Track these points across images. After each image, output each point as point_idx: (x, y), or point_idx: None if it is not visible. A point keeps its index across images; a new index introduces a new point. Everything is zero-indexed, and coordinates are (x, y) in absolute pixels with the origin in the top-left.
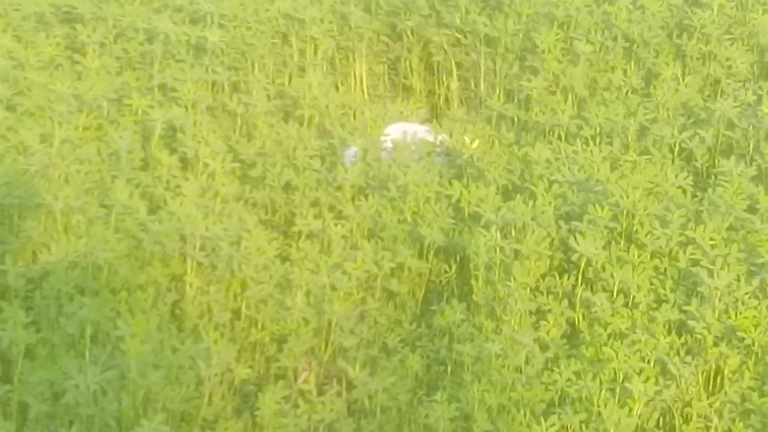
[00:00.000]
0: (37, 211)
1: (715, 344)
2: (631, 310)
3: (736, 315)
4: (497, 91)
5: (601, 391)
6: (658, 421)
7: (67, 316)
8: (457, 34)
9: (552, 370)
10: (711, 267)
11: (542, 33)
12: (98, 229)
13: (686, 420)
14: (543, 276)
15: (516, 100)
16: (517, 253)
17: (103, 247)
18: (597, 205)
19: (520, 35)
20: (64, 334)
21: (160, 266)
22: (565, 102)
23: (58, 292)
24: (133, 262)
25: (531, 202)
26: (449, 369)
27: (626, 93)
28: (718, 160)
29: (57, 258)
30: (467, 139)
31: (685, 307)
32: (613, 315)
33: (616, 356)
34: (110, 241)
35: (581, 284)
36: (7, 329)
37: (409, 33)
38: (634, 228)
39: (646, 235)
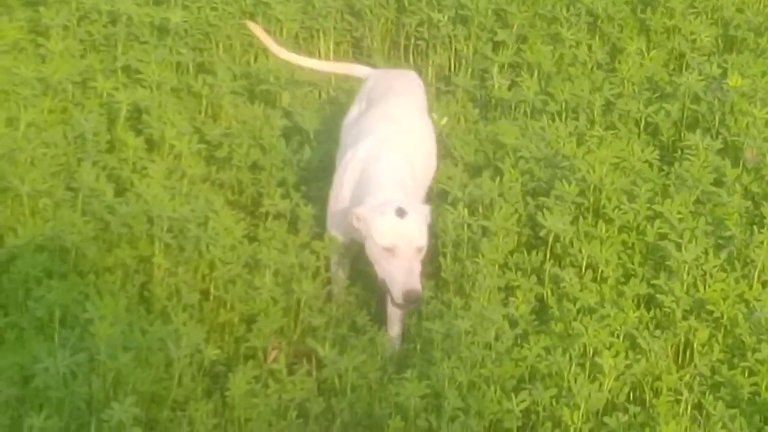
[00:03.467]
0: (4, 195)
1: (684, 318)
2: (599, 285)
3: (704, 288)
4: (467, 69)
5: (571, 366)
6: (628, 395)
7: (36, 300)
8: (430, 12)
9: (521, 346)
10: (679, 241)
11: (512, 9)
12: (65, 212)
13: (656, 394)
14: (511, 252)
15: (483, 78)
16: (484, 230)
17: (71, 230)
18: (564, 181)
19: (490, 12)
20: (32, 318)
21: (127, 248)
22: (531, 78)
23: (25, 275)
24: (101, 244)
25: (498, 179)
26: (419, 347)
27: (591, 68)
28: (684, 134)
29: (24, 241)
30: (435, 116)
31: (653, 281)
32: (581, 290)
33: (586, 331)
34: (77, 224)
35: (549, 260)
36: None
37: (368, 12)
38: (602, 203)
39: (613, 210)
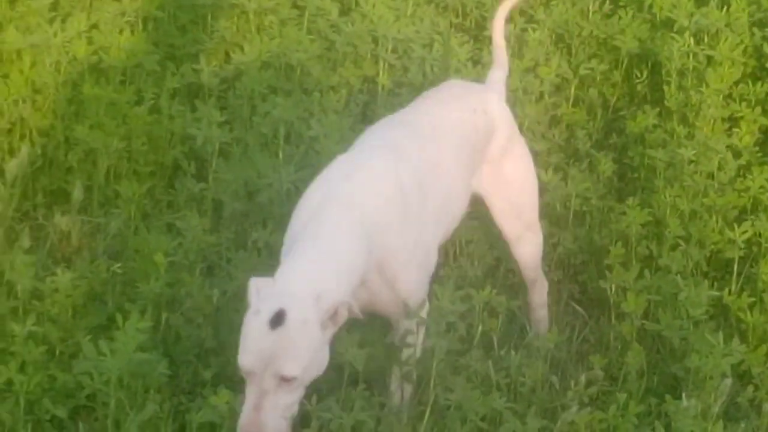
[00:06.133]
0: (230, 12)
1: None
2: None
3: None
4: None
5: None
6: None
7: (261, 116)
8: None
9: (744, 177)
10: None
11: None
12: (291, 30)
13: None
14: (736, 83)
15: None
16: (710, 59)
17: (296, 48)
18: None
19: None
20: (257, 134)
21: (352, 67)
22: None
23: (251, 91)
24: (326, 63)
25: (725, 9)
26: (641, 175)
27: None
28: None
29: (250, 58)
30: None
31: None
32: None
33: None
34: (303, 42)
35: None
36: (201, 128)
37: None
38: None
39: None
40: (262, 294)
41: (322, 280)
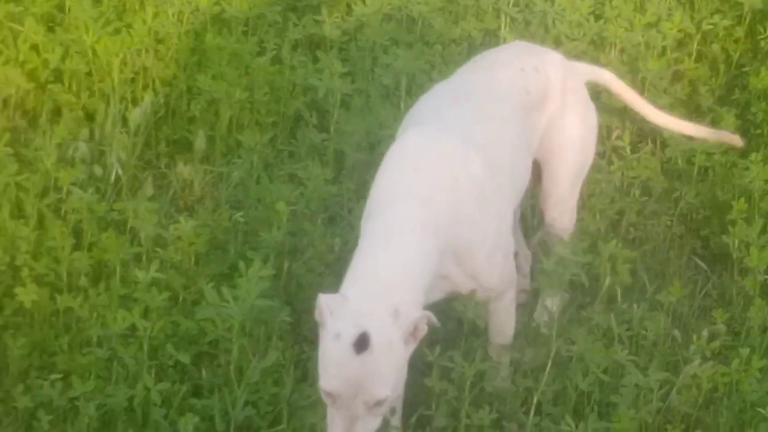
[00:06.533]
0: None
1: None
2: None
3: None
4: None
5: None
6: None
7: (383, 67)
8: None
9: None
10: None
11: None
12: None
13: None
14: None
15: None
16: None
17: (418, 1)
18: None
19: None
20: (378, 85)
21: (474, 21)
22: None
23: (373, 43)
24: (447, 16)
25: None
26: (764, 131)
27: None
28: None
29: (372, 10)
30: None
31: None
32: None
33: None
34: None
35: None
36: (323, 79)
37: None
38: None
39: None
40: (336, 314)
41: (396, 293)
